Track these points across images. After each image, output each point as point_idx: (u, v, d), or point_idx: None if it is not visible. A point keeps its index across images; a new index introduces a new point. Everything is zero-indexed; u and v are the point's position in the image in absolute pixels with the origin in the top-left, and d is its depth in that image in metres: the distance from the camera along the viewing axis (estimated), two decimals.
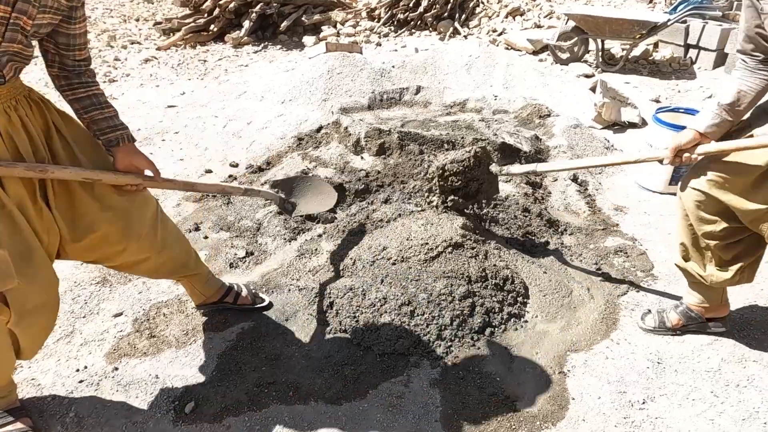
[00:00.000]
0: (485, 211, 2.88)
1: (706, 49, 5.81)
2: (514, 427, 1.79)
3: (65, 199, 1.54)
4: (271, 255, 2.67)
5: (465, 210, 2.61)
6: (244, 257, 2.63)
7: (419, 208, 2.87)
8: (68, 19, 1.45)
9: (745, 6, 1.67)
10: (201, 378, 1.95)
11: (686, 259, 2.02)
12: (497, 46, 6.54)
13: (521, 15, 7.45)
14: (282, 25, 7.18)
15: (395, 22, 7.62)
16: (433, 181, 2.54)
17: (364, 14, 7.80)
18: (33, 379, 1.94)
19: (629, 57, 5.87)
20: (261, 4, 7.06)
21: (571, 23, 5.78)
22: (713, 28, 5.69)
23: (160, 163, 3.68)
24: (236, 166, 3.62)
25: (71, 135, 1.57)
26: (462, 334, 2.11)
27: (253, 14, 7.07)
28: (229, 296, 2.21)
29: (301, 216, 2.56)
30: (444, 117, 4.32)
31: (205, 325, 2.19)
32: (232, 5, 7.04)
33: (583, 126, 4.11)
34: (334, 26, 7.47)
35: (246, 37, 7.06)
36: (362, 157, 3.48)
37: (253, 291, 2.29)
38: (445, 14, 7.47)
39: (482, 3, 7.68)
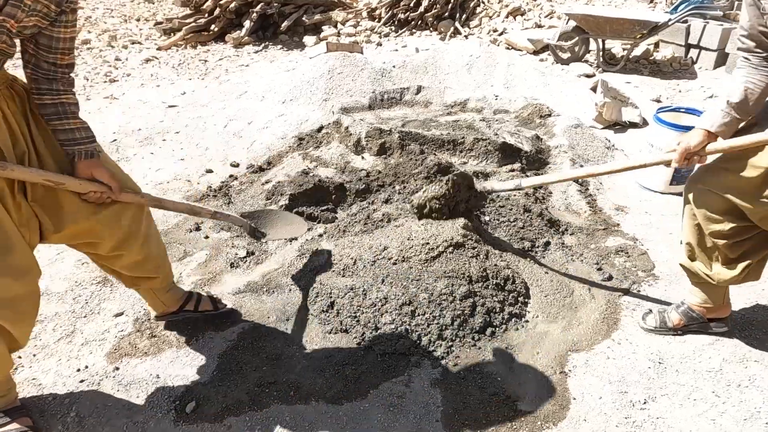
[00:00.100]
0: (487, 211, 2.87)
1: (707, 49, 5.81)
2: (515, 427, 1.79)
3: (46, 192, 1.54)
4: (272, 255, 2.66)
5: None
6: (245, 257, 2.63)
7: None
8: (54, 22, 1.42)
9: (746, 4, 1.67)
10: (202, 378, 1.95)
11: (692, 258, 2.01)
12: (498, 45, 6.54)
13: (522, 15, 7.44)
14: (283, 25, 7.18)
15: (396, 22, 7.62)
16: (417, 214, 2.59)
17: (364, 14, 7.80)
18: (34, 378, 1.94)
19: (630, 57, 5.87)
20: (262, 4, 7.06)
21: (572, 23, 5.78)
22: (714, 27, 5.68)
23: (161, 162, 3.70)
24: (237, 165, 3.62)
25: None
26: (463, 334, 2.11)
27: (254, 14, 7.07)
28: (190, 304, 2.15)
29: (273, 240, 2.48)
30: (445, 117, 4.31)
31: (206, 324, 2.19)
32: (232, 5, 7.04)
33: (584, 126, 4.11)
34: (335, 26, 7.48)
35: (247, 37, 7.06)
36: (363, 157, 3.47)
37: (214, 297, 2.23)
38: (446, 14, 7.47)
39: (483, 3, 7.68)
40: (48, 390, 1.89)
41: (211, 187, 3.32)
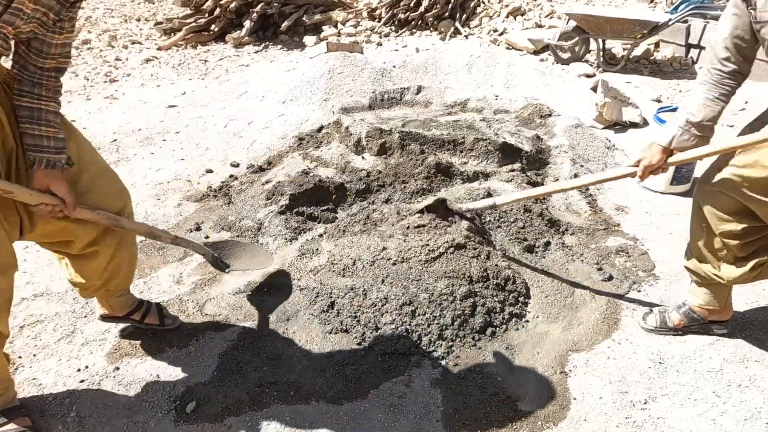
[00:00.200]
0: (487, 212, 2.87)
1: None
2: (515, 427, 1.79)
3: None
4: (272, 255, 2.66)
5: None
6: None
7: None
8: (50, 28, 1.41)
9: (729, 14, 1.67)
10: (202, 378, 1.95)
11: (700, 260, 2.01)
12: (498, 45, 6.54)
13: (522, 15, 7.45)
14: (283, 25, 7.18)
15: (396, 22, 7.62)
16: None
17: (365, 14, 7.80)
18: (34, 378, 1.94)
19: (630, 57, 5.87)
20: (262, 4, 7.07)
21: (572, 23, 5.78)
22: (714, 27, 5.68)
23: (161, 162, 3.70)
24: (237, 165, 3.62)
25: None
26: (463, 334, 2.11)
27: (254, 14, 7.07)
28: (137, 313, 2.09)
29: (237, 271, 2.37)
30: (445, 117, 4.31)
31: (207, 325, 2.19)
32: (233, 5, 7.04)
33: (585, 126, 4.11)
34: (335, 26, 7.48)
35: (247, 37, 7.06)
36: (363, 157, 3.47)
37: (165, 312, 2.17)
38: (446, 14, 7.47)
39: (483, 3, 7.68)
40: (48, 390, 1.89)
41: (211, 187, 3.32)
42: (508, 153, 3.52)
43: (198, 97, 4.98)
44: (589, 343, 2.14)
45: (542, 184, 3.37)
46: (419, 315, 2.13)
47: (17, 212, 1.53)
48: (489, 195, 2.96)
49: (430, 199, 2.66)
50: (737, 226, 1.83)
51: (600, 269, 2.57)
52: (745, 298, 2.38)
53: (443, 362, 2.02)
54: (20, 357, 2.03)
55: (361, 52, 5.21)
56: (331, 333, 2.14)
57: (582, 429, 1.78)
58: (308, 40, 7.09)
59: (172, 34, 7.31)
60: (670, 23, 5.40)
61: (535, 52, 6.28)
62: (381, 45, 6.87)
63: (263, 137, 3.99)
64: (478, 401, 1.87)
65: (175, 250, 2.68)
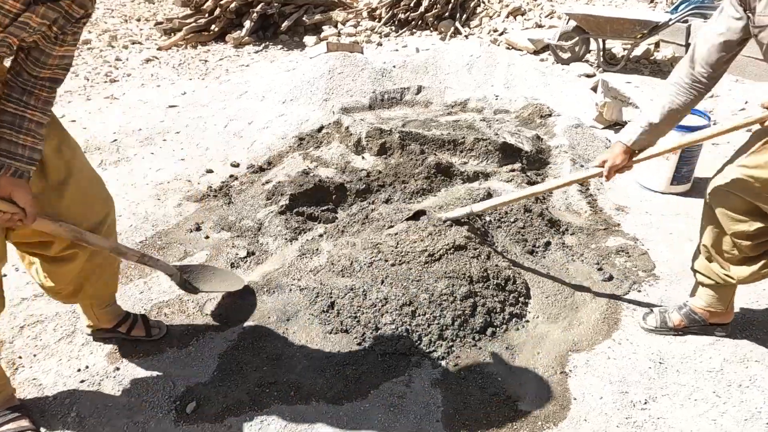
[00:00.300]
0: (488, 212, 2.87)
1: None
2: (515, 427, 1.79)
3: None
4: (272, 255, 2.66)
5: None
6: (245, 257, 2.63)
7: None
8: (51, 40, 1.41)
9: (724, 17, 1.65)
10: (202, 378, 1.95)
11: (710, 260, 2.01)
12: (498, 45, 6.53)
13: (522, 15, 7.44)
14: (283, 25, 7.18)
15: (396, 22, 7.61)
16: None
17: (365, 14, 7.79)
18: (34, 378, 1.94)
19: (630, 57, 5.86)
20: (262, 4, 7.06)
21: (572, 23, 5.78)
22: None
23: (161, 162, 3.70)
24: (237, 166, 3.62)
25: None
26: (463, 334, 2.11)
27: (254, 14, 7.07)
28: (123, 326, 2.07)
29: (207, 293, 2.31)
30: (445, 117, 4.31)
31: (207, 325, 2.19)
32: (233, 5, 7.04)
33: (585, 126, 4.11)
34: (335, 26, 7.47)
35: (247, 37, 7.06)
36: (363, 157, 3.47)
37: (150, 322, 2.14)
38: (446, 14, 7.47)
39: (483, 3, 7.68)
40: (48, 390, 1.89)
41: (211, 187, 3.32)
42: (508, 153, 3.52)
43: (198, 97, 4.98)
44: (589, 343, 2.14)
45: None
46: (419, 315, 2.13)
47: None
48: (489, 195, 2.96)
49: (410, 213, 2.64)
50: (750, 227, 1.82)
51: (600, 269, 2.57)
52: (745, 298, 2.37)
53: (443, 362, 2.02)
54: (20, 357, 2.03)
55: (361, 52, 5.21)
56: (331, 333, 2.14)
57: (582, 429, 1.78)
58: (308, 40, 7.09)
59: (172, 34, 7.31)
60: (670, 23, 5.39)
61: (535, 52, 6.28)
62: (381, 45, 6.87)
63: (263, 137, 3.99)
64: (479, 401, 1.87)
65: (175, 250, 2.69)
